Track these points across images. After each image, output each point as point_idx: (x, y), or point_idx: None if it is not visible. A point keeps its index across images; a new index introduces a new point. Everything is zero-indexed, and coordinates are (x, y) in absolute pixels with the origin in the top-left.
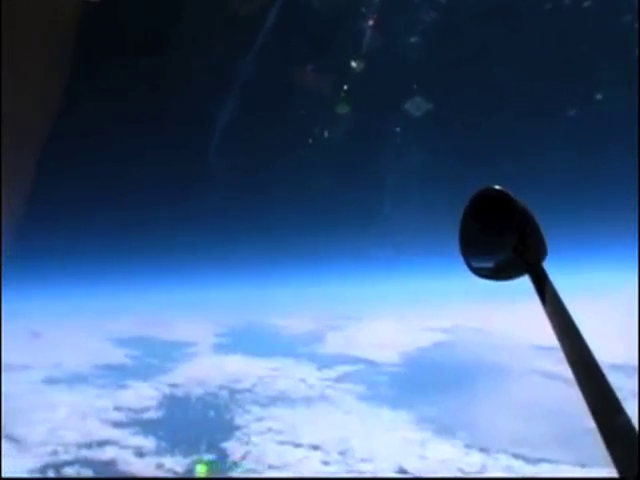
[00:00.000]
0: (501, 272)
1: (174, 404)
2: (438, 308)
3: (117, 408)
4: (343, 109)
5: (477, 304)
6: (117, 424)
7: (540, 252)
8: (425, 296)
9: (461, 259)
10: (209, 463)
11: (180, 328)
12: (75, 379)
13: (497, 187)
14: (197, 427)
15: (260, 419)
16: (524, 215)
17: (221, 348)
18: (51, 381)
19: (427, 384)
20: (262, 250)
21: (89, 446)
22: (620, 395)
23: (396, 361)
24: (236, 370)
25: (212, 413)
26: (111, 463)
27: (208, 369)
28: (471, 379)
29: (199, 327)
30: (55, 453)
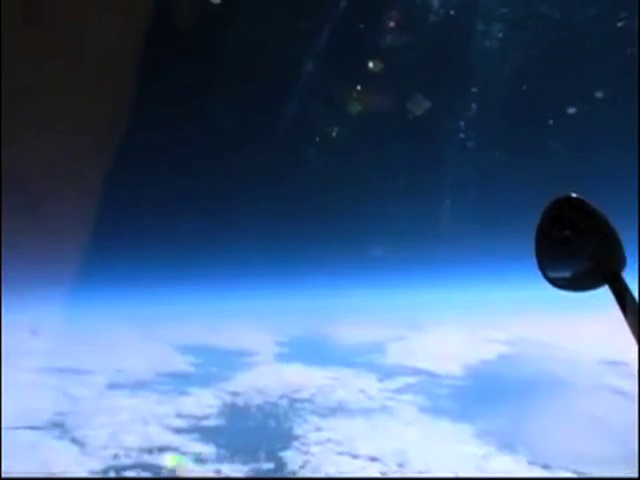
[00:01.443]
0: (579, 282)
1: (234, 412)
2: (502, 319)
3: (178, 415)
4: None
5: (543, 315)
6: (178, 430)
7: (620, 262)
8: (489, 306)
9: (533, 268)
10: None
11: (242, 337)
12: (138, 385)
13: (574, 195)
14: (256, 435)
15: (319, 429)
16: (602, 223)
17: (282, 357)
18: (114, 386)
19: (490, 397)
20: (325, 259)
21: (150, 451)
22: None
23: (458, 373)
24: (296, 379)
25: (271, 422)
26: (170, 468)
27: (269, 378)
28: (535, 393)
29: (261, 336)
30: (116, 457)
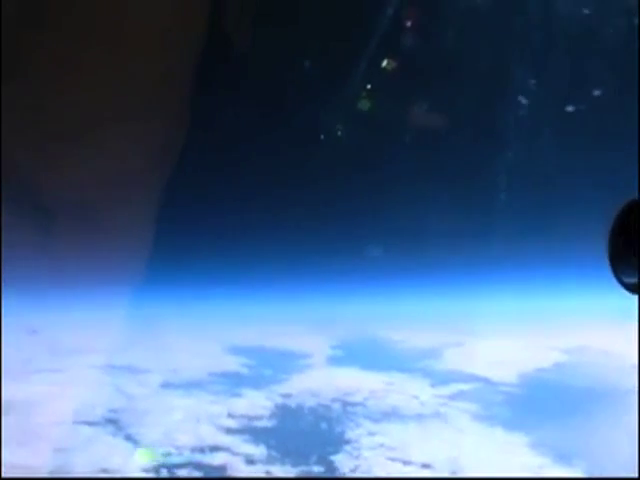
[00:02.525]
0: None
1: (286, 414)
2: (563, 326)
3: (230, 415)
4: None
5: (603, 323)
6: (229, 431)
7: None
8: (548, 313)
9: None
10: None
11: (296, 339)
12: (191, 385)
13: None
14: (308, 438)
15: (372, 434)
16: None
17: (335, 360)
18: (169, 385)
19: (547, 407)
20: (382, 263)
21: (202, 450)
22: None
23: (514, 381)
24: (349, 383)
25: (323, 425)
26: (221, 468)
27: (321, 381)
28: (594, 403)
29: (315, 339)
30: (169, 455)
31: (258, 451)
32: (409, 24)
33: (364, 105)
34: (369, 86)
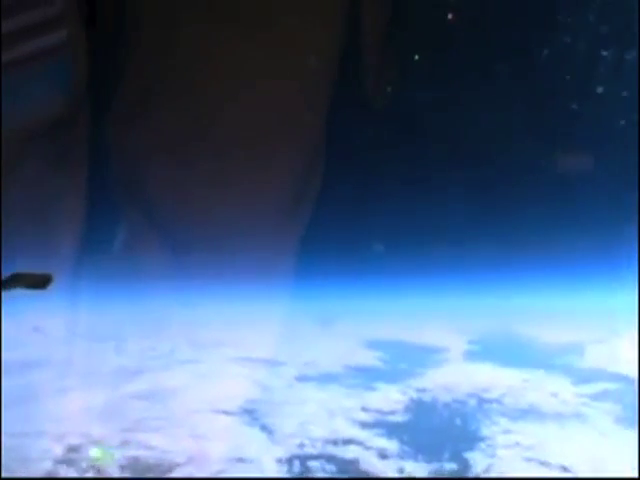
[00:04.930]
0: None
1: (420, 409)
2: None
3: (364, 409)
4: None
5: None
6: (363, 424)
7: None
8: None
9: None
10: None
11: (433, 334)
12: (326, 378)
13: None
14: (442, 434)
15: (507, 432)
16: None
17: (472, 356)
18: (304, 378)
19: None
20: (520, 255)
21: (335, 443)
22: None
23: None
24: (486, 379)
25: (458, 421)
26: (354, 462)
27: (457, 376)
28: None
29: (453, 334)
30: (302, 446)
31: (391, 446)
32: None
33: None
34: None
